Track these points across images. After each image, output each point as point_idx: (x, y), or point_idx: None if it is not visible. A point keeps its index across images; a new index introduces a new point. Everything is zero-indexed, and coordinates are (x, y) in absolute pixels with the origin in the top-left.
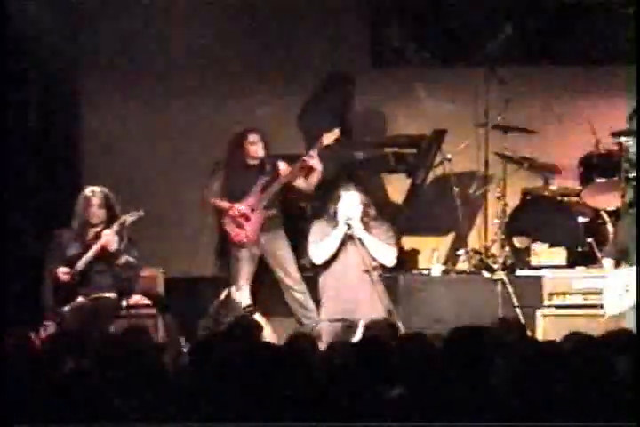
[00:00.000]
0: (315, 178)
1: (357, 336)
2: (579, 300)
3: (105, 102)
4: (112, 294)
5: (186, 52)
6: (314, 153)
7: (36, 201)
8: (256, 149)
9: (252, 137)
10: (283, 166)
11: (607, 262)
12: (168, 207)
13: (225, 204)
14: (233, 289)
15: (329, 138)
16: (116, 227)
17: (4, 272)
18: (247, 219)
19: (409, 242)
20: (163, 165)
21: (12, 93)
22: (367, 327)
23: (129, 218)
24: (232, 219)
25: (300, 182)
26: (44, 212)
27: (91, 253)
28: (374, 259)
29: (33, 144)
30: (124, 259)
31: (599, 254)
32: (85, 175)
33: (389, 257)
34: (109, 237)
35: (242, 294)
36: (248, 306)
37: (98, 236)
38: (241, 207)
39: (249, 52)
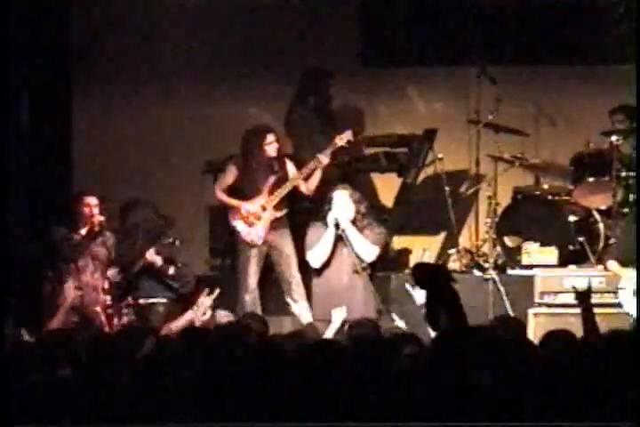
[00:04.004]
0: (314, 182)
1: (331, 332)
2: (570, 299)
3: (96, 102)
4: (163, 300)
5: (177, 52)
6: (327, 154)
7: (27, 200)
8: (272, 149)
9: (270, 137)
10: (291, 168)
11: (613, 265)
12: (160, 207)
13: (235, 202)
14: (242, 291)
15: (342, 139)
16: (155, 248)
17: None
18: (258, 218)
19: (400, 241)
20: (154, 166)
21: (5, 93)
22: (351, 327)
23: (166, 241)
24: (243, 218)
25: (301, 187)
26: (36, 211)
27: (137, 267)
28: (357, 256)
29: (24, 144)
30: (171, 270)
31: (605, 256)
32: (76, 175)
33: (370, 254)
34: (152, 257)
35: (252, 296)
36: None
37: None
38: (252, 207)
39: (238, 53)
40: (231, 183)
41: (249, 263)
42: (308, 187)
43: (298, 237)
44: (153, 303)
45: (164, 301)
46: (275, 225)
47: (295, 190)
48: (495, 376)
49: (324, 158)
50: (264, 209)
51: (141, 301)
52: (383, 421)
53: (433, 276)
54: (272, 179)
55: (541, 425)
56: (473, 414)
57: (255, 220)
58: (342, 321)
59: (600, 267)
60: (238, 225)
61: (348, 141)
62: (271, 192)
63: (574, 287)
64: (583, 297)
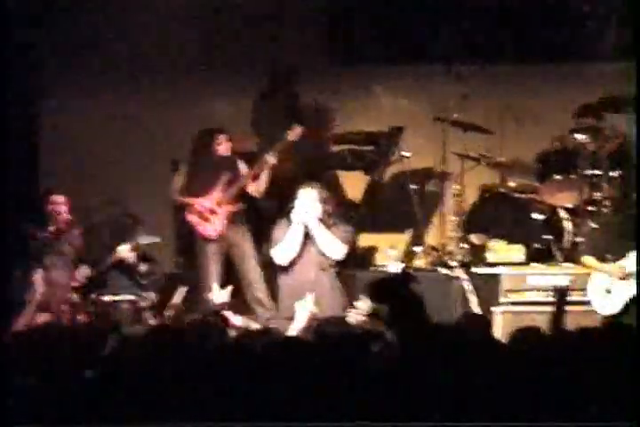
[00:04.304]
0: (263, 182)
1: (295, 328)
2: (535, 297)
3: (64, 100)
4: (130, 297)
5: (145, 51)
6: (274, 152)
7: None
8: (223, 148)
9: (221, 137)
10: (243, 166)
11: (589, 260)
12: (127, 205)
13: (190, 199)
14: (205, 290)
15: (292, 135)
16: (131, 245)
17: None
18: (214, 213)
19: (366, 239)
20: (121, 164)
21: None
22: (320, 324)
23: (143, 241)
24: (199, 214)
25: (250, 187)
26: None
27: (108, 263)
28: (323, 253)
29: None
30: (143, 267)
31: (576, 252)
32: (43, 173)
33: (337, 251)
34: (125, 254)
35: (214, 293)
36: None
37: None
38: (207, 202)
39: (208, 51)
40: (185, 183)
41: (209, 262)
42: (257, 188)
43: (265, 234)
44: (119, 301)
45: (132, 298)
46: (232, 221)
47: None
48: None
49: (271, 158)
50: (219, 204)
51: (107, 298)
52: (361, 420)
53: (394, 290)
54: (225, 177)
55: (541, 425)
56: (471, 414)
57: (210, 215)
58: (310, 315)
59: (566, 265)
60: (194, 220)
61: (299, 137)
62: (224, 189)
63: (555, 286)
64: (561, 295)
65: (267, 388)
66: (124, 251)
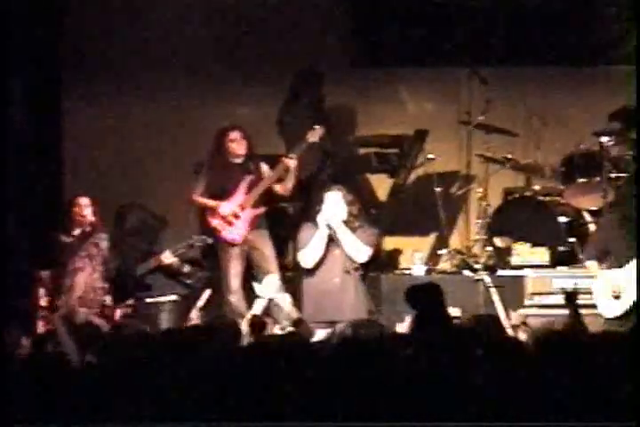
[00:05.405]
0: (290, 183)
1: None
2: (560, 300)
3: (86, 104)
4: (172, 298)
5: (170, 51)
6: (295, 154)
7: (18, 203)
8: (237, 146)
9: (233, 134)
10: (265, 168)
11: (592, 265)
12: (151, 208)
13: (213, 202)
14: (226, 292)
15: (313, 136)
16: (180, 250)
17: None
18: (237, 217)
19: (391, 242)
20: (145, 167)
21: None
22: (349, 327)
23: (197, 243)
24: (221, 218)
25: (275, 187)
26: (27, 214)
27: (146, 268)
28: (349, 256)
29: (15, 146)
30: (186, 269)
31: (581, 257)
32: (67, 178)
33: (362, 254)
34: (169, 260)
35: (237, 297)
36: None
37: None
38: (231, 206)
39: (231, 53)
40: (206, 186)
41: (230, 264)
42: (284, 187)
43: (289, 237)
44: (161, 302)
45: (174, 298)
46: (254, 224)
47: (274, 192)
48: (488, 376)
49: (290, 160)
50: (242, 208)
51: (149, 300)
52: (382, 421)
53: (424, 297)
54: (248, 178)
55: (541, 425)
56: (472, 414)
57: (234, 219)
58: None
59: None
60: (218, 225)
61: (321, 138)
62: (247, 192)
63: (562, 289)
64: (570, 298)
65: (290, 390)
66: (168, 257)
